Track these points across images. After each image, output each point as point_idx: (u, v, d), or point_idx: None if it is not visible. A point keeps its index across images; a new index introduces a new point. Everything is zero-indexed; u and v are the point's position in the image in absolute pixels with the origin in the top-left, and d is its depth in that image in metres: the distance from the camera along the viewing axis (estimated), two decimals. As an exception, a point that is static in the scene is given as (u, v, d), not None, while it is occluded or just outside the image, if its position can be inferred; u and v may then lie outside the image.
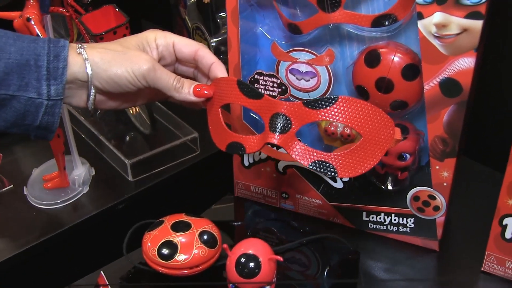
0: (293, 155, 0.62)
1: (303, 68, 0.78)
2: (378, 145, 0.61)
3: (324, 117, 0.61)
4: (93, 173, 0.98)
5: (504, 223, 0.76)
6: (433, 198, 0.80)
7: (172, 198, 0.91)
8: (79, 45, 0.63)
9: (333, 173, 0.62)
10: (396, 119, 0.77)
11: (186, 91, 0.67)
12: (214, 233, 0.72)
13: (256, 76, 0.81)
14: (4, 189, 0.96)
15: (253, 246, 0.65)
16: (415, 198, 0.81)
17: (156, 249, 0.69)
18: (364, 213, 0.86)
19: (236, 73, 0.82)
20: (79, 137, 1.07)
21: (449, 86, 0.71)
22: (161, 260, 0.69)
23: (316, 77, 0.78)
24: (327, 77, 0.78)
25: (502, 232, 0.77)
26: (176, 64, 0.72)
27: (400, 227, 0.85)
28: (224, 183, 0.94)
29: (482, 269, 0.81)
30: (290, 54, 0.78)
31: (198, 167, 1.02)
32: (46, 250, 0.87)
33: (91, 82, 0.63)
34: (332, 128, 0.82)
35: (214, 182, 0.99)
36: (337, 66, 0.77)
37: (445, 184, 0.78)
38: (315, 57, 0.77)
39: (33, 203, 0.93)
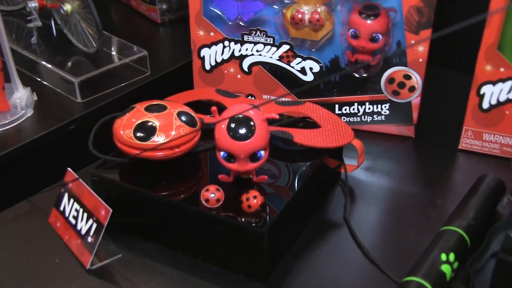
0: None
1: None
2: (333, 138, 0.70)
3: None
4: (35, 98, 0.89)
5: (481, 92, 0.75)
6: (409, 77, 0.78)
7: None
8: None
9: (290, 137, 0.68)
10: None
11: None
12: (192, 114, 0.66)
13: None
14: None
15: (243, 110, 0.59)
16: (390, 80, 0.79)
17: (132, 132, 0.62)
18: (337, 106, 0.83)
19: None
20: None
21: None
22: (139, 142, 0.62)
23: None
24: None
25: (479, 102, 0.76)
26: None
27: (374, 116, 0.82)
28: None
29: (460, 147, 0.80)
30: None
31: (148, 88, 0.95)
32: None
33: None
34: (300, 16, 0.78)
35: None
36: None
37: (420, 60, 0.76)
38: None
39: (-29, 129, 0.83)
